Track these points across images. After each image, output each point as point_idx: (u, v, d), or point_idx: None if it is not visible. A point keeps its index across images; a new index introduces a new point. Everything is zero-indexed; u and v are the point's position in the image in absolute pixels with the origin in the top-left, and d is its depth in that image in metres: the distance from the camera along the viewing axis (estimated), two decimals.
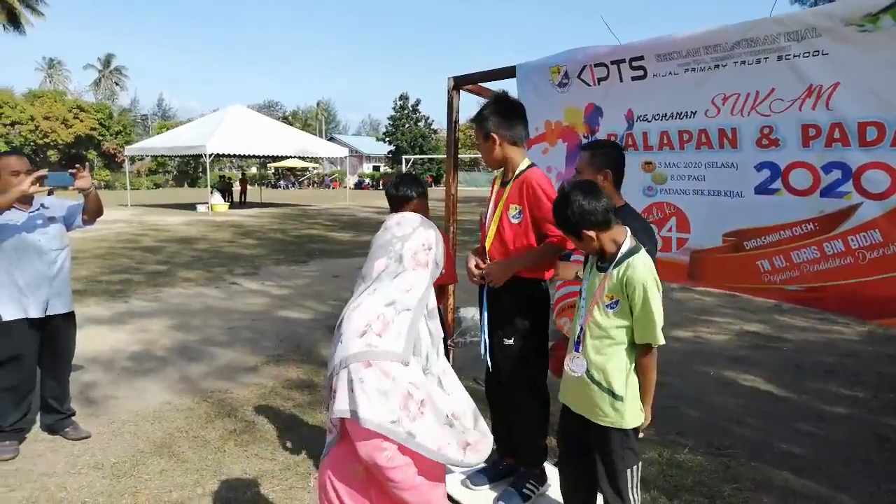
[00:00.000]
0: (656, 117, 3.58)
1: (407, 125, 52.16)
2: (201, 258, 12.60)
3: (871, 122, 2.72)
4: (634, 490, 2.18)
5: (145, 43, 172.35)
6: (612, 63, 3.67)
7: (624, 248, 2.21)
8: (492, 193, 2.71)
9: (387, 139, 53.98)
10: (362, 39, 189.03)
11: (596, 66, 3.77)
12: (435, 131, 56.62)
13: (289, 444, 4.16)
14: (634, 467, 2.17)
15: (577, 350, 2.19)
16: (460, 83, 4.90)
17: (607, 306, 2.16)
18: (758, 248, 3.18)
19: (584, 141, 4.02)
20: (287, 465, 3.88)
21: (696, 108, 3.35)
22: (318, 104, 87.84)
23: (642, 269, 2.15)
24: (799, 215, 3.03)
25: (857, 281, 2.88)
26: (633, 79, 3.59)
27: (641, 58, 3.51)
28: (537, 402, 2.57)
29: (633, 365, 2.13)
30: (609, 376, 2.15)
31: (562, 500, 2.47)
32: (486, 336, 2.60)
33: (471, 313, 5.89)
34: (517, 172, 2.59)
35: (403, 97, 53.00)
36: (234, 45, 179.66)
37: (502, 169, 2.68)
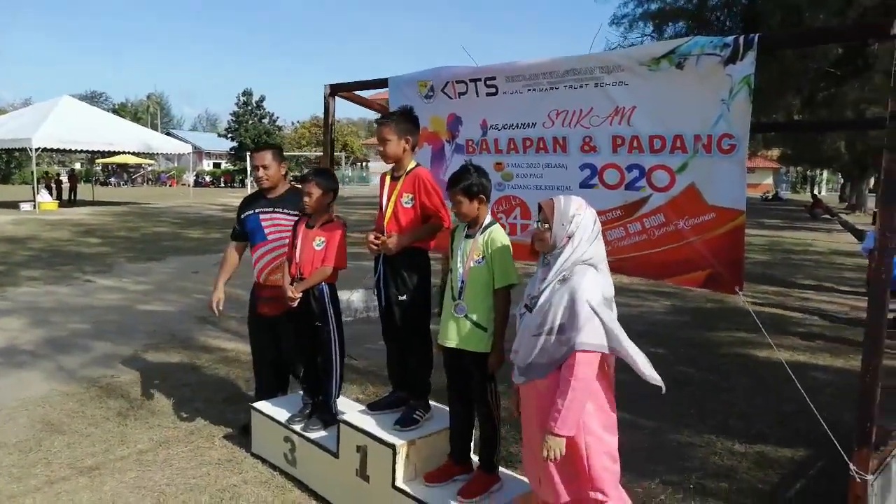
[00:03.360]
0: (505, 126, 4.45)
1: (251, 121, 50.93)
2: (41, 257, 12.00)
3: (657, 136, 3.73)
4: (494, 397, 2.97)
5: None
6: (471, 81, 4.49)
7: (486, 221, 2.99)
8: (383, 185, 3.40)
9: (229, 136, 52.30)
10: (202, 31, 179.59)
11: (457, 82, 4.57)
12: (280, 128, 55.69)
13: (185, 415, 4.57)
14: (494, 382, 2.96)
15: (459, 298, 2.94)
16: (336, 90, 5.52)
17: (476, 262, 2.93)
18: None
19: (447, 144, 4.83)
20: (190, 431, 4.30)
21: (536, 121, 4.25)
22: (148, 97, 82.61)
23: (499, 232, 2.96)
24: (611, 204, 4.00)
25: (650, 252, 3.90)
26: (488, 94, 4.43)
27: (494, 78, 4.36)
28: (426, 345, 3.30)
29: (492, 305, 2.91)
30: (480, 315, 2.90)
31: (446, 423, 3.23)
32: (382, 294, 3.30)
33: (346, 296, 6.51)
34: (408, 169, 3.31)
35: (247, 93, 51.69)
36: (53, 28, 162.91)
37: (393, 165, 3.37)
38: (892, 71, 2.96)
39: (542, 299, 2.60)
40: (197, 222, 19.30)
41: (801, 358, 6.42)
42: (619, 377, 2.75)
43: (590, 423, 2.53)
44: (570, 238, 2.61)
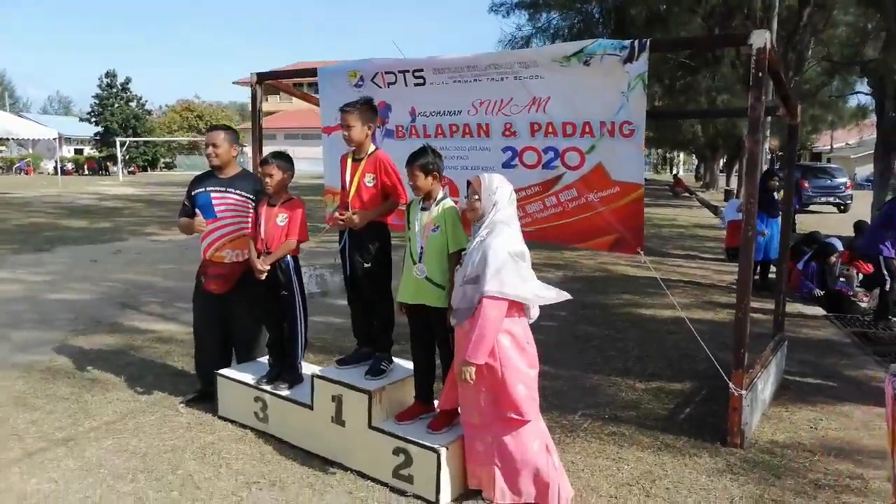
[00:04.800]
0: (433, 114, 4.98)
1: (116, 105, 47.82)
2: None
3: (568, 122, 4.41)
4: (453, 343, 3.51)
5: None
6: (400, 72, 4.98)
7: (440, 195, 3.53)
8: (345, 166, 3.82)
9: (93, 120, 48.87)
10: (49, 5, 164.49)
11: (386, 73, 5.05)
12: (149, 112, 52.75)
13: (140, 390, 4.78)
14: (452, 330, 3.51)
15: (420, 262, 3.46)
16: (263, 78, 5.83)
17: (433, 230, 3.45)
18: None
19: (377, 129, 5.28)
20: (152, 402, 4.55)
21: (462, 109, 4.82)
22: None
23: (451, 205, 3.50)
24: (530, 181, 4.65)
25: (565, 222, 4.59)
26: (416, 84, 4.94)
27: (422, 70, 4.87)
28: (388, 305, 3.79)
29: (447, 267, 3.46)
30: (438, 276, 3.43)
31: (407, 373, 3.76)
32: (348, 263, 3.76)
33: None
34: (370, 152, 3.76)
35: (110, 74, 48.33)
36: None
37: (354, 148, 3.81)
38: (751, 74, 3.79)
39: (467, 256, 3.20)
40: (77, 212, 18.30)
41: (679, 314, 7.45)
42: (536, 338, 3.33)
43: (506, 355, 3.13)
44: (494, 206, 3.21)
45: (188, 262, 10.17)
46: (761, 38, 3.68)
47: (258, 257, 3.97)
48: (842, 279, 8.22)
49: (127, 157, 45.27)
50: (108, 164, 46.09)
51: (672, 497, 3.44)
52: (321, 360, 5.20)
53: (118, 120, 46.28)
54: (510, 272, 3.08)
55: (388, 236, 3.83)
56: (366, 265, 3.70)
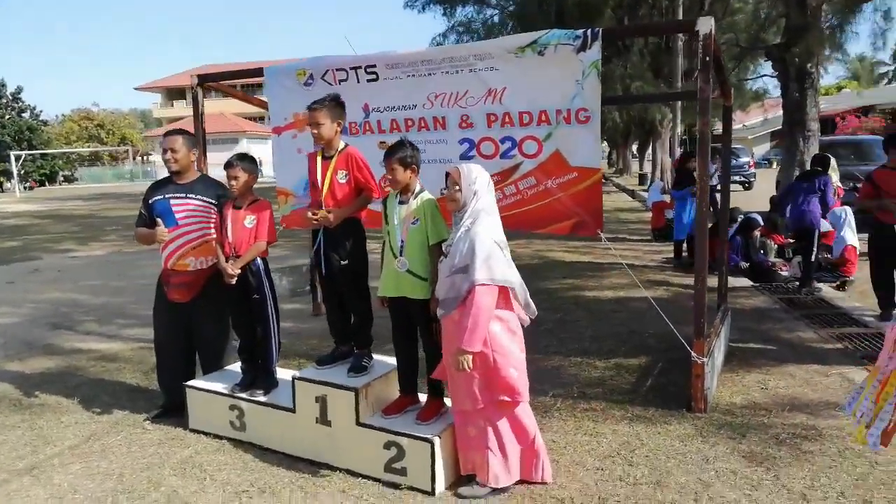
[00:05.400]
0: (387, 109, 4.99)
1: (7, 116, 44.74)
2: None
3: (525, 112, 4.52)
4: (437, 333, 3.54)
5: None
6: (351, 69, 4.96)
7: (417, 188, 3.55)
8: (314, 165, 3.77)
9: None
10: None
11: (337, 70, 5.01)
12: (45, 122, 49.67)
13: (98, 410, 4.56)
14: (435, 321, 3.54)
15: (401, 255, 3.46)
16: (204, 80, 5.66)
17: (412, 224, 3.47)
18: None
19: None
20: (114, 422, 4.35)
21: (416, 102, 4.85)
22: None
23: (430, 198, 3.53)
24: (489, 171, 4.72)
25: (524, 209, 4.70)
26: (368, 81, 4.93)
27: (374, 66, 4.87)
28: (366, 301, 3.78)
29: (428, 259, 3.48)
30: (420, 268, 3.45)
31: (387, 368, 3.77)
32: (323, 261, 3.72)
33: None
34: (339, 149, 3.73)
35: None
36: None
37: (323, 146, 3.76)
38: (699, 58, 4.00)
39: (453, 246, 3.25)
40: None
41: (622, 293, 7.77)
42: None
43: (497, 340, 3.22)
44: (475, 195, 3.27)
45: (115, 278, 9.74)
46: (707, 25, 3.90)
47: (226, 261, 3.87)
48: (762, 251, 8.78)
49: (23, 171, 42.45)
50: (1, 180, 43.08)
51: (652, 463, 3.61)
52: (281, 364, 5.11)
53: (10, 132, 43.29)
54: (498, 259, 3.15)
55: (363, 232, 3.83)
56: (342, 262, 3.69)
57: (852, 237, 7.78)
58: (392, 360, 3.91)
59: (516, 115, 4.56)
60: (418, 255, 3.47)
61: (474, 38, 20.65)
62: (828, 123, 26.97)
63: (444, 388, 3.63)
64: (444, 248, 3.34)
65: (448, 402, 3.65)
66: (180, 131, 4.25)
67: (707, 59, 3.94)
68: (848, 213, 8.00)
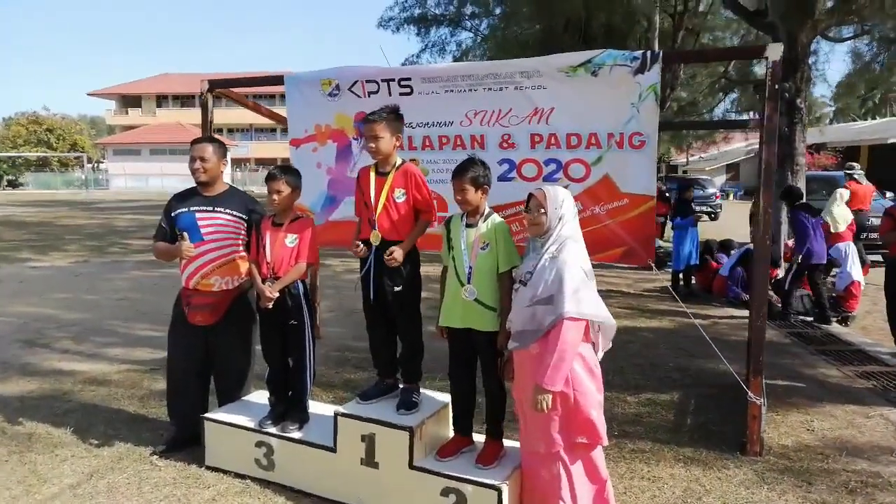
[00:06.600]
0: (420, 125, 4.70)
1: None
2: None
3: (573, 133, 4.29)
4: (500, 370, 3.27)
5: None
6: (383, 81, 4.66)
7: (486, 210, 3.28)
8: (367, 182, 3.45)
9: None
10: None
11: (367, 81, 4.70)
12: None
13: (96, 442, 4.09)
14: (501, 357, 3.26)
15: (468, 283, 3.17)
16: (215, 86, 5.27)
17: (482, 248, 3.18)
18: (504, 218, 4.56)
19: (354, 142, 4.92)
20: (117, 457, 3.89)
21: (454, 119, 4.58)
22: None
23: (501, 220, 3.27)
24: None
25: None
26: (402, 94, 4.63)
27: (409, 79, 4.59)
28: (418, 332, 3.45)
29: (497, 287, 3.20)
30: (489, 297, 3.17)
31: (438, 404, 3.46)
32: (372, 287, 3.38)
33: None
34: (396, 165, 3.43)
35: None
36: None
37: (378, 161, 3.45)
38: (767, 86, 3.86)
39: (535, 274, 2.98)
40: None
41: (627, 323, 7.57)
42: None
43: (579, 380, 2.97)
44: (560, 219, 3.02)
45: (85, 291, 9.13)
46: (777, 52, 3.76)
47: (263, 283, 3.51)
48: None
49: None
50: None
51: None
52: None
53: None
54: (588, 291, 2.89)
55: (418, 255, 3.52)
56: (396, 289, 3.36)
57: (857, 273, 7.79)
58: (442, 396, 3.60)
59: (563, 136, 4.33)
60: (487, 283, 3.19)
61: (450, 60, 20.64)
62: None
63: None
64: (521, 276, 3.05)
65: (507, 443, 3.36)
66: (211, 138, 3.89)
67: (776, 86, 3.80)
68: (851, 248, 8.03)
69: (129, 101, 64.35)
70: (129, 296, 8.60)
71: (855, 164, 12.30)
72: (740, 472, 3.82)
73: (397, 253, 3.27)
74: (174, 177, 50.08)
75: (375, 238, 3.35)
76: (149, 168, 50.24)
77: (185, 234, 3.66)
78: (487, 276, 3.19)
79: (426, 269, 3.69)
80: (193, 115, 59.57)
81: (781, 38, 10.07)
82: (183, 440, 3.95)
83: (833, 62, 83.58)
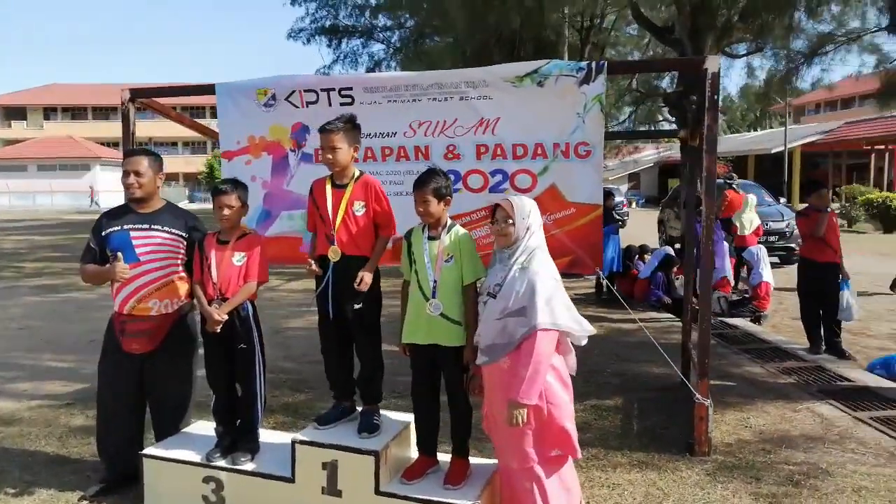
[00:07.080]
0: (362, 136, 4.55)
1: None
2: None
3: (519, 144, 4.29)
4: (466, 386, 3.18)
5: None
6: (323, 90, 4.51)
7: (448, 222, 3.20)
8: (323, 195, 3.28)
9: None
10: None
11: (306, 91, 4.53)
12: None
13: (13, 491, 3.68)
14: (467, 372, 3.17)
15: (434, 297, 3.07)
16: (137, 95, 4.93)
17: (446, 261, 3.09)
18: None
19: (291, 154, 4.73)
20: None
21: (397, 130, 4.48)
22: None
23: (464, 231, 3.19)
24: (475, 206, 4.43)
25: None
26: (342, 104, 4.49)
27: (350, 88, 4.46)
28: (379, 351, 3.31)
29: (462, 301, 3.12)
30: (455, 311, 3.07)
31: (399, 425, 3.32)
32: (331, 306, 3.22)
33: None
34: (355, 176, 3.28)
35: None
36: None
37: (334, 173, 3.29)
38: (706, 97, 3.99)
39: (505, 286, 2.93)
40: None
41: None
42: None
43: (552, 391, 2.94)
44: (528, 229, 3.00)
45: None
46: (715, 63, 3.91)
47: (210, 304, 3.27)
48: (679, 287, 9.12)
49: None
50: None
51: None
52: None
53: None
54: (559, 301, 2.86)
55: (378, 272, 3.38)
56: (356, 306, 3.21)
57: (767, 274, 8.25)
58: (402, 416, 3.48)
59: (510, 147, 4.32)
60: (453, 297, 3.10)
61: (363, 72, 20.50)
62: (676, 170, 29.03)
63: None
64: (490, 289, 2.99)
65: (473, 461, 3.28)
66: (145, 151, 3.60)
67: (715, 97, 3.93)
68: (762, 251, 8.51)
69: (13, 112, 59.95)
70: (30, 323, 7.91)
71: (734, 174, 13.77)
72: (693, 472, 3.91)
73: (367, 277, 3.15)
74: (65, 193, 47.26)
75: (335, 254, 3.19)
76: (36, 185, 46.93)
77: (119, 254, 3.36)
78: (452, 289, 3.11)
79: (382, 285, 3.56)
80: (86, 128, 56.58)
81: (687, 53, 10.61)
82: (116, 481, 3.62)
83: (728, 77, 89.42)
